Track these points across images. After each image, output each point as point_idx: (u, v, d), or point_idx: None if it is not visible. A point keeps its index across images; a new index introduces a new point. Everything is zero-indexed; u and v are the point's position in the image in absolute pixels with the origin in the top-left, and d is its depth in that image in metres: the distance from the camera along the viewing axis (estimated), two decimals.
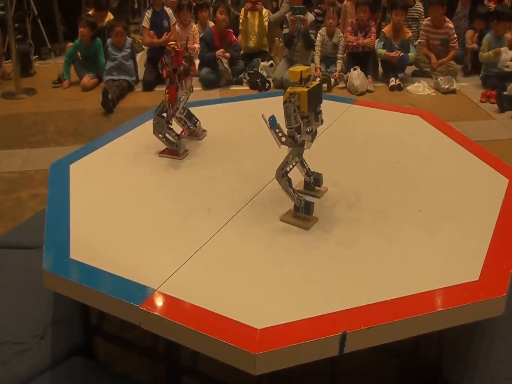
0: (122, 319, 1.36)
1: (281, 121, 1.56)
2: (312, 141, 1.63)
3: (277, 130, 1.57)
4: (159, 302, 1.32)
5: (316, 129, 1.64)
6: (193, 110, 2.55)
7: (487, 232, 1.57)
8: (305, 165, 1.77)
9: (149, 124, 2.20)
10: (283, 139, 1.58)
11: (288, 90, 1.54)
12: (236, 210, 1.70)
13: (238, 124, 2.49)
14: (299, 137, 1.57)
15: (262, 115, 1.54)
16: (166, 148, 2.11)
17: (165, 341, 1.43)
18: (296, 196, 1.64)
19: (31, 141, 4.16)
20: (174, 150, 2.10)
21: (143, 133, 2.23)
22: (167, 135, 2.09)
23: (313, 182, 1.78)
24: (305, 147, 1.65)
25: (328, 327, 1.23)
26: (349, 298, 1.31)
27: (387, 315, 1.26)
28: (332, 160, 1.90)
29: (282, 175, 1.63)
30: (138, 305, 1.29)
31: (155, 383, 1.89)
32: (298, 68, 1.57)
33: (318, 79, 5.19)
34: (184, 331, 1.24)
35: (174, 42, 2.06)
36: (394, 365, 1.89)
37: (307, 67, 1.61)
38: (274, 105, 2.71)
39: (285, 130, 1.57)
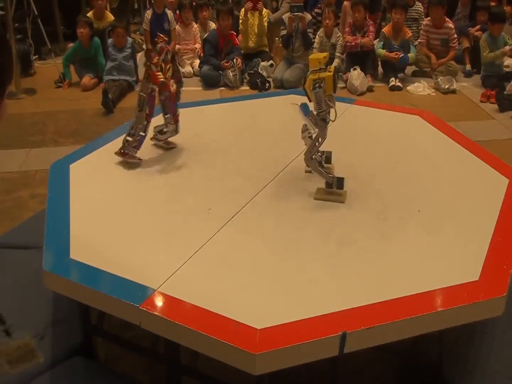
0: (122, 319, 1.36)
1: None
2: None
3: (310, 117, 1.68)
4: (159, 302, 1.32)
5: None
6: (193, 110, 2.56)
7: (487, 232, 1.57)
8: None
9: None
10: (316, 122, 1.69)
11: (310, 77, 1.64)
12: (236, 210, 1.70)
13: (238, 124, 2.49)
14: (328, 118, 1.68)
15: (295, 104, 1.66)
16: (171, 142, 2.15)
17: (165, 341, 1.43)
18: (327, 173, 1.74)
19: (31, 141, 4.16)
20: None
21: None
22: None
23: (324, 160, 1.87)
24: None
25: (328, 327, 1.23)
26: (349, 298, 1.31)
27: (387, 315, 1.26)
28: (332, 160, 1.90)
29: (311, 157, 1.72)
30: (138, 305, 1.29)
31: (155, 383, 1.89)
32: (317, 55, 1.69)
33: None
34: (184, 331, 1.24)
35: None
36: (394, 365, 1.89)
37: (325, 53, 1.73)
38: (274, 105, 2.74)
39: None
